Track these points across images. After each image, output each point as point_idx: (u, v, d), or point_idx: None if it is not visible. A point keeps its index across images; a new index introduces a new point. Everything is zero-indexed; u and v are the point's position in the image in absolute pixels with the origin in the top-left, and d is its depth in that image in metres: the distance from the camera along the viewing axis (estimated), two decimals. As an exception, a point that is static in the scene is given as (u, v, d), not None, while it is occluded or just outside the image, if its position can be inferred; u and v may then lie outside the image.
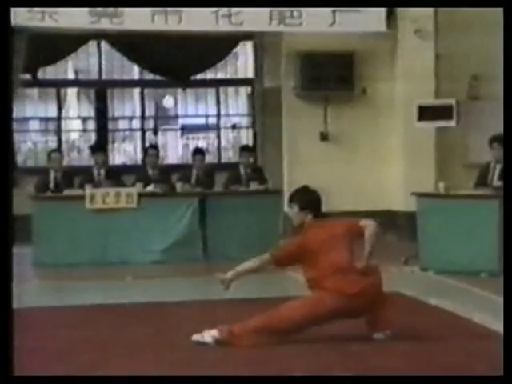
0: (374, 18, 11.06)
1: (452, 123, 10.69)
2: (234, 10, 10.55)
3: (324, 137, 12.10)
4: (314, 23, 10.86)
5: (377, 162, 12.10)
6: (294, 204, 5.65)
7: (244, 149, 11.25)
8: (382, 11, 11.11)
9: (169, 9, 10.41)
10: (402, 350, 5.19)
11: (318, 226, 5.59)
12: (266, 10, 10.65)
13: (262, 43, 12.70)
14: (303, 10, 10.70)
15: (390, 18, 11.35)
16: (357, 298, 5.26)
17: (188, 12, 10.44)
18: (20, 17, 10.13)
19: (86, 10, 10.22)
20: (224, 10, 10.56)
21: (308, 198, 5.66)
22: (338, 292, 5.28)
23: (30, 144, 13.57)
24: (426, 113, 10.65)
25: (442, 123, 10.88)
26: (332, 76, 11.78)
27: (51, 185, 10.49)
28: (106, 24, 10.50)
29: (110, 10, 10.32)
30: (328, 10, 10.72)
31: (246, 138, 13.80)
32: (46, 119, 13.60)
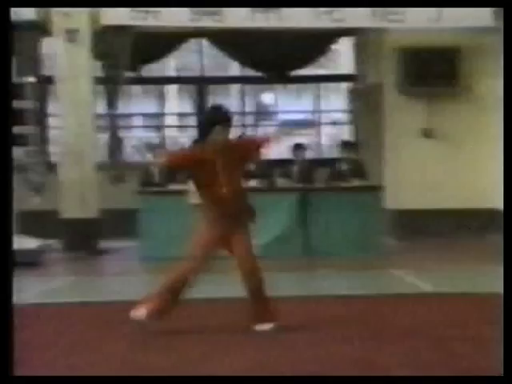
0: (480, 13, 10.71)
1: (560, 120, 10.37)
2: (335, 6, 10.50)
3: (426, 133, 11.94)
4: (418, 19, 10.62)
5: (481, 160, 11.86)
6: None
7: (346, 144, 11.21)
8: (488, 5, 10.82)
9: (269, 5, 10.43)
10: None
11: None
12: (368, 5, 10.54)
13: (363, 39, 12.60)
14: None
15: (498, 11, 11.06)
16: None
17: (288, 8, 10.44)
18: (124, 16, 10.39)
19: (187, 8, 10.36)
20: (325, 7, 10.51)
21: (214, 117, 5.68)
22: None
23: (134, 140, 13.90)
24: (532, 109, 10.36)
25: (549, 120, 10.56)
26: (436, 72, 11.60)
27: (156, 180, 10.71)
28: (206, 22, 10.61)
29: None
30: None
31: (347, 133, 13.74)
32: (149, 115, 13.89)
